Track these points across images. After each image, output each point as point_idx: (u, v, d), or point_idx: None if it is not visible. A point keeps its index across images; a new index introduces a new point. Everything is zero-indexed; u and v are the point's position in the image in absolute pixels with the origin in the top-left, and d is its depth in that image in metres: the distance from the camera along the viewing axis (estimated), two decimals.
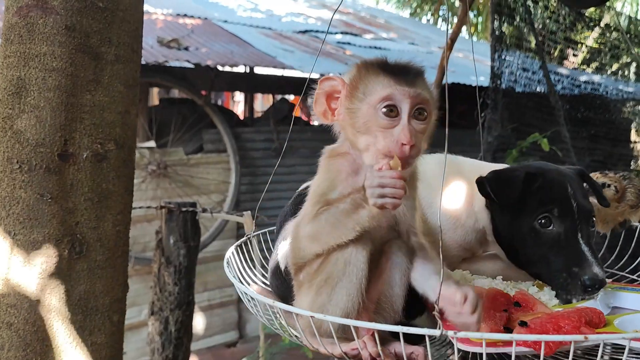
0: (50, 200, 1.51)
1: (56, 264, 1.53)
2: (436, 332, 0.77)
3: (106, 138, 1.61)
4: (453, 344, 0.83)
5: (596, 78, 4.25)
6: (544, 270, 1.13)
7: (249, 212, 2.67)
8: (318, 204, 0.92)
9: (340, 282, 0.89)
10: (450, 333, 0.77)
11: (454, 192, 1.26)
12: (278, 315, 1.00)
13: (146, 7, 5.73)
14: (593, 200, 1.22)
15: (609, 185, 1.34)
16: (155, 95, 8.30)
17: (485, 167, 1.28)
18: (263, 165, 5.35)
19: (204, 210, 2.67)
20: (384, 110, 0.88)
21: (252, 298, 1.00)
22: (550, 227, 1.11)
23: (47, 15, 1.51)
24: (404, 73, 0.90)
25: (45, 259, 1.51)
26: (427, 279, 0.91)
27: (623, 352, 0.81)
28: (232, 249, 1.23)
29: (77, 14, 1.53)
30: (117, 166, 1.64)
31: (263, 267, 1.32)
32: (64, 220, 1.53)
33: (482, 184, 1.18)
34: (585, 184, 1.20)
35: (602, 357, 0.78)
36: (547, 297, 1.08)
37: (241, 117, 7.10)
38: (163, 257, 2.69)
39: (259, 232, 1.38)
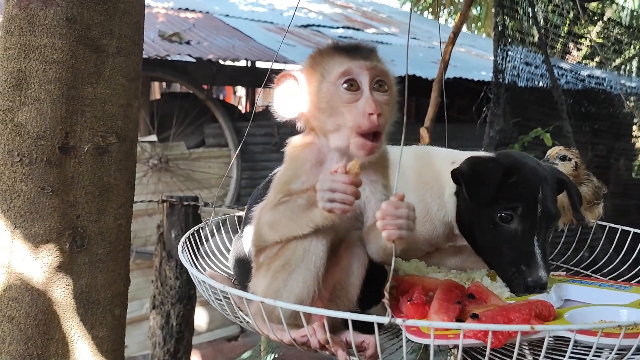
0: (51, 194, 1.50)
1: (57, 258, 1.52)
2: (384, 320, 0.76)
3: (107, 131, 1.60)
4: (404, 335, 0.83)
5: (599, 72, 4.23)
6: (495, 261, 1.16)
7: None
8: (280, 193, 0.92)
9: (297, 269, 0.89)
10: (398, 321, 0.76)
11: (424, 184, 1.25)
12: (229, 301, 0.98)
13: (147, 0, 5.72)
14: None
15: (569, 159, 1.34)
16: (157, 90, 8.29)
17: (459, 156, 1.28)
18: (263, 159, 5.34)
19: (206, 205, 2.66)
20: (345, 85, 0.90)
21: (202, 282, 0.99)
22: (510, 223, 1.13)
23: (48, 6, 1.50)
24: (358, 49, 0.93)
25: (47, 252, 1.51)
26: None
27: (579, 348, 0.82)
28: (187, 234, 1.23)
29: (78, 5, 1.52)
30: (118, 159, 1.63)
31: (221, 254, 1.33)
32: (65, 213, 1.53)
33: (456, 178, 1.18)
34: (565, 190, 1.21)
35: (547, 349, 0.77)
36: (499, 289, 1.10)
37: (243, 111, 7.08)
38: (164, 251, 2.69)
39: (219, 217, 1.37)
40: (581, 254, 1.38)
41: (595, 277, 1.29)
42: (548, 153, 1.38)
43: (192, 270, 1.03)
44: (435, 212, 1.25)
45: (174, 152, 5.00)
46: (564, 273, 1.29)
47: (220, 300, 1.01)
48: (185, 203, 2.65)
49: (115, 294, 1.66)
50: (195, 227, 1.27)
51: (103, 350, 1.62)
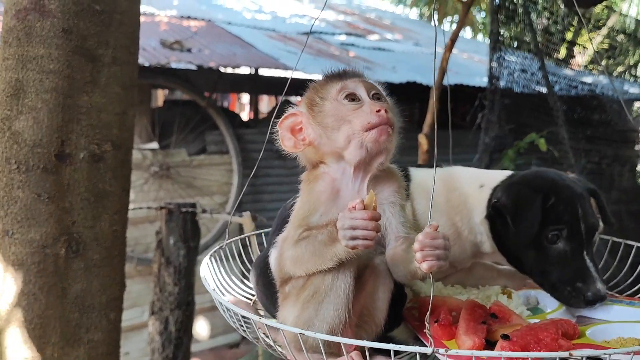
0: (47, 200, 1.53)
1: (53, 263, 1.55)
2: (427, 350, 0.77)
3: (103, 139, 1.63)
4: (432, 358, 0.83)
5: (593, 79, 4.25)
6: (547, 282, 1.15)
7: (249, 212, 2.69)
8: (300, 227, 0.93)
9: (327, 298, 0.90)
10: (442, 350, 0.77)
11: (453, 208, 1.25)
12: (257, 328, 0.97)
13: (150, 9, 5.78)
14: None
15: None
16: (160, 97, 8.35)
17: (483, 176, 1.28)
18: (265, 166, 5.37)
19: (204, 211, 2.69)
20: (346, 98, 0.95)
21: (227, 309, 0.98)
22: (558, 244, 1.13)
23: (45, 18, 1.54)
24: (347, 72, 1.00)
25: (43, 257, 1.54)
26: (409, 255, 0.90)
27: None
28: (206, 259, 1.19)
29: (74, 17, 1.56)
30: (113, 167, 1.66)
31: (244, 275, 1.29)
32: (61, 219, 1.56)
33: (498, 211, 1.17)
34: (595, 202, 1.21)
35: None
36: (518, 308, 1.09)
37: (246, 119, 7.12)
38: (163, 258, 2.72)
39: (232, 240, 1.31)
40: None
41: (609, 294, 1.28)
42: None
43: (220, 299, 1.01)
44: (466, 236, 1.25)
45: (175, 159, 5.03)
46: None
47: (250, 327, 1.00)
48: (184, 210, 2.68)
49: (111, 299, 1.69)
50: (212, 251, 1.22)
51: (98, 354, 1.65)
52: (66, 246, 1.57)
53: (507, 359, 0.81)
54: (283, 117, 1.01)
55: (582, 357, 0.78)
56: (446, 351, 0.78)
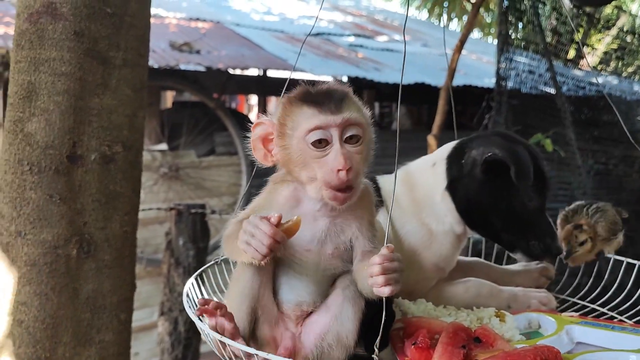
0: (59, 201, 1.55)
1: (65, 263, 1.57)
2: None
3: (114, 140, 1.64)
4: None
5: (601, 79, 4.23)
6: (521, 240, 1.20)
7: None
8: (245, 215, 0.91)
9: (232, 289, 0.93)
10: None
11: (417, 205, 1.24)
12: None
13: (159, 11, 5.82)
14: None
15: (582, 244, 1.33)
16: (169, 99, 8.39)
17: (431, 157, 1.29)
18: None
19: (213, 212, 2.71)
20: (314, 141, 0.86)
21: (207, 334, 0.90)
22: (531, 201, 1.18)
23: (57, 21, 1.55)
24: (327, 100, 0.88)
25: (55, 258, 1.55)
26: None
27: None
28: (191, 280, 1.14)
29: (85, 19, 1.57)
30: (124, 168, 1.68)
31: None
32: (73, 220, 1.57)
33: (496, 164, 1.16)
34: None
35: None
36: (510, 332, 1.07)
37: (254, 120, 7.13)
38: (172, 258, 2.74)
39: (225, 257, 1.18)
40: (598, 289, 1.35)
41: (619, 320, 1.25)
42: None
43: (201, 326, 0.93)
44: (436, 227, 1.23)
45: (184, 161, 5.06)
46: (576, 314, 1.25)
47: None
48: (193, 211, 2.69)
49: (121, 299, 1.70)
50: (199, 270, 1.18)
51: (109, 354, 1.66)
52: (78, 247, 1.58)
53: None
54: (255, 123, 0.95)
55: None
56: None
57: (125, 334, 1.74)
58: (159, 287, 3.61)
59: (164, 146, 5.09)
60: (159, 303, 2.84)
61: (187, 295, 1.10)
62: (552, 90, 3.54)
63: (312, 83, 0.93)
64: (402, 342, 0.97)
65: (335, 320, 0.91)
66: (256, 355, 0.81)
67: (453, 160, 1.23)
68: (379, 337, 0.78)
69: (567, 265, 1.34)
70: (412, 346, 0.92)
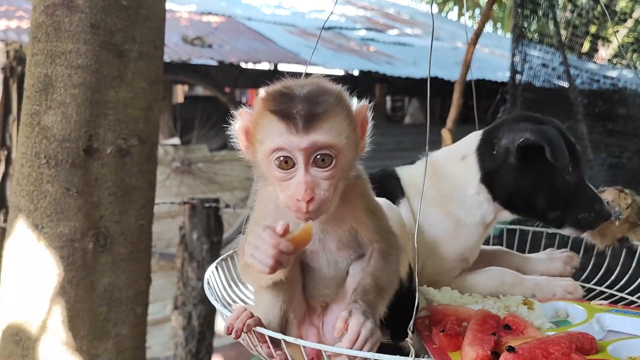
0: (75, 195, 1.54)
1: (81, 257, 1.56)
2: None
3: (129, 134, 1.64)
4: None
5: (616, 73, 4.17)
6: (569, 214, 1.22)
7: None
8: (249, 235, 0.85)
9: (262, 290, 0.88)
10: None
11: (444, 197, 1.22)
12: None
13: (171, 5, 5.80)
14: None
15: (628, 207, 1.33)
16: (180, 93, 8.40)
17: (457, 149, 1.28)
18: None
19: (227, 206, 2.70)
20: (277, 162, 0.78)
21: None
22: (571, 175, 1.20)
23: (73, 13, 1.54)
24: (296, 116, 0.76)
25: (71, 251, 1.55)
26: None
27: None
28: (212, 267, 1.12)
29: (101, 12, 1.57)
30: (140, 161, 1.67)
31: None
32: (89, 214, 1.57)
33: (531, 147, 1.16)
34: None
35: None
36: (539, 320, 1.05)
37: None
38: (186, 252, 2.73)
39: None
40: (625, 278, 1.34)
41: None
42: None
43: (223, 312, 0.95)
44: (465, 219, 1.22)
45: (196, 155, 5.06)
46: (605, 302, 1.24)
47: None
48: (207, 205, 2.68)
49: (137, 293, 1.70)
50: (220, 258, 1.17)
51: (125, 348, 1.66)
52: (94, 240, 1.58)
53: None
54: (238, 113, 0.86)
55: None
56: (428, 358, 0.75)
57: (141, 328, 1.74)
58: (171, 281, 3.62)
59: (176, 140, 5.09)
60: (173, 297, 2.84)
61: (208, 283, 1.08)
62: (566, 84, 3.50)
63: (299, 76, 0.86)
64: (429, 330, 0.95)
65: None
66: (283, 340, 0.80)
67: (483, 151, 1.23)
68: (412, 320, 0.76)
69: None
70: (441, 333, 0.90)
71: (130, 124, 1.64)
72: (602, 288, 1.33)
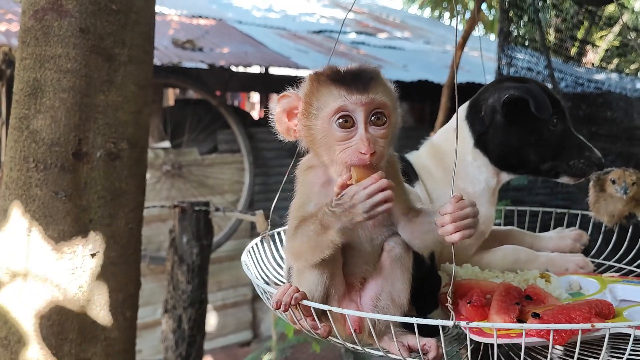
0: (64, 198, 1.54)
1: (71, 261, 1.56)
2: (449, 323, 0.78)
3: (119, 137, 1.64)
4: (463, 338, 0.84)
5: (601, 76, 4.22)
6: (561, 163, 1.27)
7: (262, 211, 2.70)
8: (296, 219, 0.92)
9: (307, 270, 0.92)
10: (462, 323, 0.79)
11: (451, 171, 1.26)
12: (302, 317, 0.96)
13: (161, 8, 5.80)
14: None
15: (633, 184, 1.36)
16: (170, 96, 8.39)
17: (449, 124, 1.35)
18: (276, 165, 5.38)
19: (217, 210, 2.70)
20: (339, 122, 0.87)
21: (265, 291, 1.00)
22: (557, 126, 1.26)
23: (62, 18, 1.55)
24: (355, 80, 0.87)
25: (60, 255, 1.55)
26: (430, 227, 0.90)
27: None
28: (247, 249, 1.20)
29: (91, 16, 1.57)
30: (129, 165, 1.68)
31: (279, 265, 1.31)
32: (78, 217, 1.57)
33: (518, 100, 1.22)
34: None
35: (608, 347, 0.78)
36: (557, 291, 1.10)
37: (257, 117, 7.14)
38: (176, 256, 2.73)
39: (274, 231, 1.32)
40: (633, 252, 1.38)
41: None
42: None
43: (265, 288, 1.01)
44: (472, 189, 1.28)
45: (187, 158, 5.06)
46: (616, 274, 1.27)
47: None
48: (197, 208, 2.69)
49: (127, 297, 1.70)
50: (252, 243, 1.24)
51: (115, 351, 1.66)
52: (83, 244, 1.58)
53: (530, 333, 0.82)
54: (281, 95, 0.95)
55: (607, 329, 0.78)
56: (467, 324, 0.79)
57: (130, 332, 1.74)
58: (161, 285, 3.61)
59: (166, 144, 5.09)
60: (163, 301, 2.84)
61: (246, 265, 1.15)
62: (550, 87, 3.54)
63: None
64: (454, 303, 0.99)
65: (385, 282, 0.94)
66: (328, 311, 0.87)
67: (472, 117, 1.29)
68: (450, 287, 0.81)
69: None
70: (468, 305, 0.96)
71: (119, 128, 1.64)
72: (611, 262, 1.39)
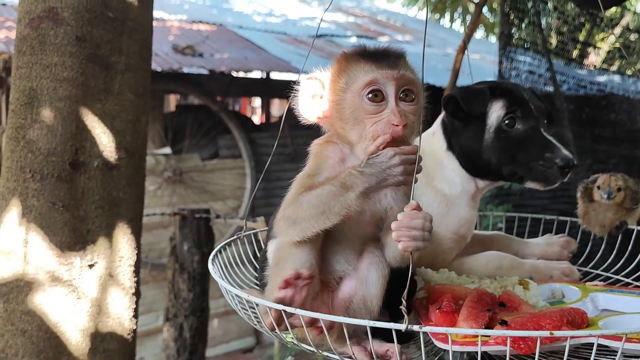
0: (62, 209, 1.52)
1: (69, 271, 1.54)
2: (402, 326, 0.76)
3: (117, 146, 1.62)
4: (433, 345, 0.82)
5: (603, 78, 4.20)
6: (520, 166, 1.21)
7: (262, 217, 2.68)
8: (302, 187, 0.90)
9: (284, 264, 0.88)
10: (415, 327, 0.76)
11: (429, 176, 1.26)
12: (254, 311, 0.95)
13: (161, 13, 5.80)
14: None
15: (619, 190, 1.34)
16: (172, 102, 8.38)
17: (427, 132, 1.33)
18: (277, 170, 5.37)
19: (217, 217, 2.68)
20: (370, 95, 0.88)
21: (236, 295, 0.95)
22: (515, 126, 1.20)
23: (58, 26, 1.53)
24: (385, 57, 0.89)
25: (58, 266, 1.53)
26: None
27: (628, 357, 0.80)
28: (217, 248, 1.18)
29: (87, 24, 1.55)
30: (127, 174, 1.66)
31: (254, 267, 1.28)
32: (76, 227, 1.55)
33: (452, 99, 1.22)
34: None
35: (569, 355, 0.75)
36: (534, 298, 1.08)
37: (258, 122, 7.13)
38: (177, 264, 2.71)
39: (250, 232, 1.31)
40: (621, 261, 1.35)
41: (636, 286, 1.26)
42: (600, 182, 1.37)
43: (222, 284, 1.00)
44: (449, 191, 1.26)
45: (188, 164, 5.04)
46: (602, 283, 1.25)
47: (247, 310, 0.99)
48: (197, 215, 2.67)
49: (126, 307, 1.68)
50: (223, 242, 1.22)
51: None
52: (81, 254, 1.56)
53: (494, 340, 0.79)
54: (308, 76, 0.95)
55: (568, 338, 0.74)
56: (420, 327, 0.76)
57: (130, 343, 1.71)
58: (163, 292, 3.59)
59: (167, 150, 5.07)
60: (164, 309, 2.82)
61: (212, 262, 1.13)
62: (552, 90, 3.52)
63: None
64: (426, 309, 0.97)
65: (360, 284, 0.93)
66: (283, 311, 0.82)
67: (444, 121, 1.29)
68: (405, 289, 0.77)
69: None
70: (437, 310, 0.93)
71: (117, 137, 1.62)
72: (598, 271, 1.36)
